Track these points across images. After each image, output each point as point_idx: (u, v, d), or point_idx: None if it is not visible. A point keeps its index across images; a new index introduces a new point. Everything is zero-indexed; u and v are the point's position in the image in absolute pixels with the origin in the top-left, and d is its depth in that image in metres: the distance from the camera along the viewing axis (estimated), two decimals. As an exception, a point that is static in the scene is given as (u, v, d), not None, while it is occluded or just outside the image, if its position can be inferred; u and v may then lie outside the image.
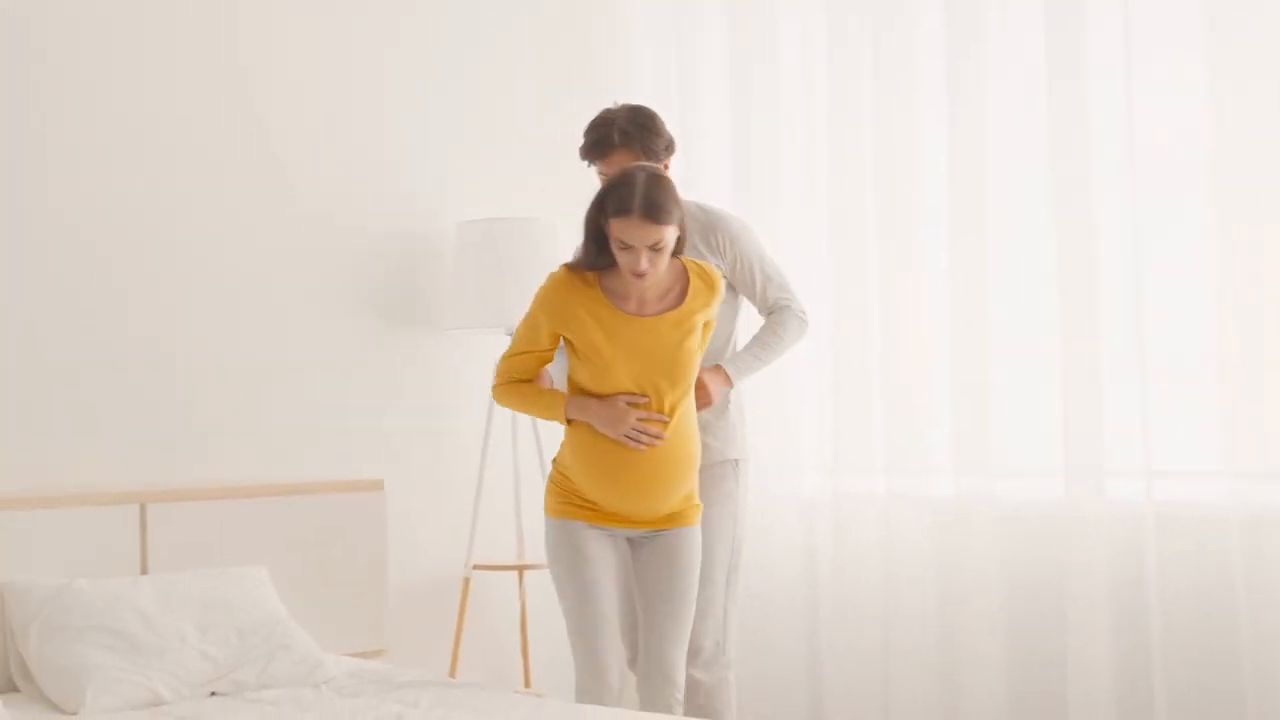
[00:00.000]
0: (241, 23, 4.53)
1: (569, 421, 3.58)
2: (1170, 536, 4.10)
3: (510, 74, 5.18)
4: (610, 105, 4.01)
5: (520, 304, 4.60)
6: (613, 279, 3.55)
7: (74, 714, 3.47)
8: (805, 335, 4.08)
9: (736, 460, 4.01)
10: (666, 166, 3.97)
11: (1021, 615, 4.41)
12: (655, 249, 3.43)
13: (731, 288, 4.01)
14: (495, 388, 3.67)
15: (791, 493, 4.96)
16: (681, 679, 3.64)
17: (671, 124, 4.01)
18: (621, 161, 3.87)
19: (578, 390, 3.57)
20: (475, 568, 4.74)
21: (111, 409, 4.22)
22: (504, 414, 5.03)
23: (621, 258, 3.46)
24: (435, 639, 4.88)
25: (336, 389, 4.68)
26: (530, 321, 3.57)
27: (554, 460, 3.66)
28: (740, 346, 4.07)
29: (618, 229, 3.43)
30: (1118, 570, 4.20)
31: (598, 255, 3.51)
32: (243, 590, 3.99)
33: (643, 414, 3.50)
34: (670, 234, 3.44)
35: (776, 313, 4.01)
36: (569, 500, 3.59)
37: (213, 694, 3.67)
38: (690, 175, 5.15)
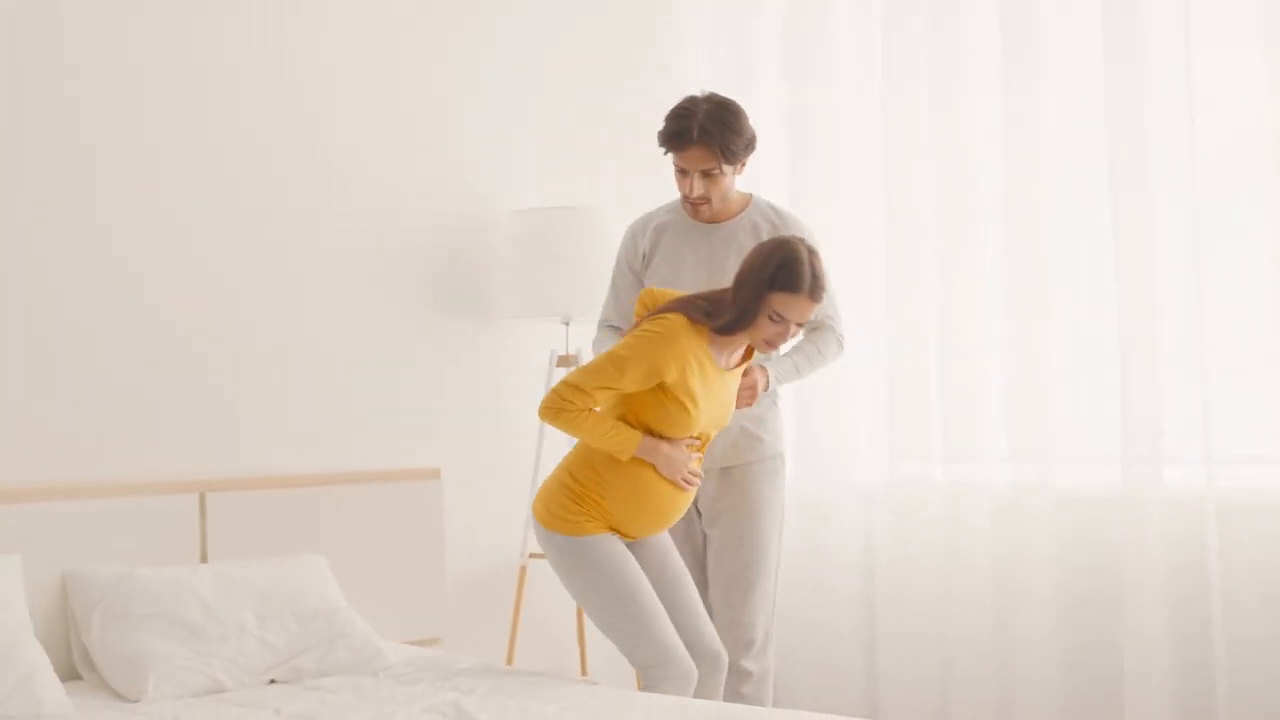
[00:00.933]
0: (301, 13, 4.55)
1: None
2: (1231, 523, 4.06)
3: (566, 65, 5.18)
4: (696, 93, 3.89)
5: (575, 293, 4.61)
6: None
7: (136, 701, 3.50)
8: (839, 359, 4.07)
9: (782, 454, 4.03)
10: (744, 165, 3.91)
11: (1079, 603, 4.39)
12: (801, 324, 3.50)
13: None
14: (559, 412, 3.48)
15: (850, 480, 4.95)
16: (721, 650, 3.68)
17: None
18: (697, 158, 3.80)
19: (643, 428, 3.52)
20: (531, 556, 4.76)
21: (171, 399, 4.25)
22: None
23: (769, 329, 3.49)
24: (492, 627, 4.90)
25: (393, 378, 4.71)
26: (642, 364, 3.43)
27: (578, 481, 3.54)
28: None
29: (781, 304, 3.45)
30: (1177, 557, 4.16)
31: (753, 321, 3.49)
32: (302, 578, 4.01)
33: (694, 455, 3.57)
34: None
35: (820, 330, 3.98)
36: (597, 518, 3.54)
37: (272, 681, 3.70)
38: (747, 170, 5.12)
